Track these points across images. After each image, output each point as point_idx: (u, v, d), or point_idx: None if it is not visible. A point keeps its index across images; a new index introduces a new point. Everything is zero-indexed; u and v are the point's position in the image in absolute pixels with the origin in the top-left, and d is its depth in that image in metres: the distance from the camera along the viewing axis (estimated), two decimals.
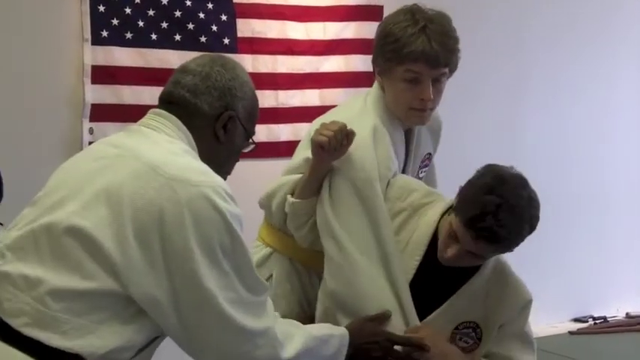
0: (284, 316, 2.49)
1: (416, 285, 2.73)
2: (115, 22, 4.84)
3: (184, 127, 2.27)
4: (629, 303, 6.99)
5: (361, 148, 2.73)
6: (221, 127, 2.31)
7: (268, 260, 2.98)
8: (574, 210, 6.56)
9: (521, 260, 3.01)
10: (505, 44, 6.31)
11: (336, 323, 2.71)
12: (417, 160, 3.04)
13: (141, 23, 4.92)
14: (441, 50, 2.76)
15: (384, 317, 2.69)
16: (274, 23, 5.42)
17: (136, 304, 2.09)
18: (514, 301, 2.82)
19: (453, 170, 5.39)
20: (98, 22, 4.80)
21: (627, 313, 7.00)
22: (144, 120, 2.33)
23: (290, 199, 2.79)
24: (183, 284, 2.08)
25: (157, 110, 2.32)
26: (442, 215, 2.75)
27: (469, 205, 2.55)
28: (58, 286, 2.04)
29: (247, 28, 5.28)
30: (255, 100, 2.42)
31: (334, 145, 2.65)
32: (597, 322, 6.82)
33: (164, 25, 4.98)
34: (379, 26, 2.90)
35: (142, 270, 2.05)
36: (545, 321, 6.43)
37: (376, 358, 2.66)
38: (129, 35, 4.89)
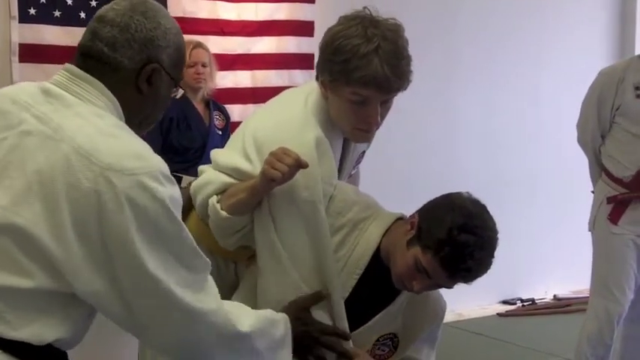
0: None
1: (349, 300, 2.72)
2: None
3: (107, 91, 2.12)
4: (557, 286, 7.12)
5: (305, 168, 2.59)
6: (144, 81, 2.15)
7: None
8: (502, 194, 6.61)
9: None
10: (435, 27, 6.36)
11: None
12: (352, 160, 2.99)
13: (69, 1, 4.87)
14: (393, 77, 2.57)
15: (319, 297, 2.67)
16: (205, 3, 5.40)
17: (76, 297, 2.02)
18: (434, 313, 2.87)
19: (386, 154, 5.54)
20: None
21: (555, 296, 7.13)
22: (62, 80, 2.13)
23: (223, 213, 2.65)
24: (125, 272, 2.01)
25: (75, 70, 2.12)
26: (384, 234, 2.73)
27: (445, 245, 2.52)
28: None
29: (178, 7, 5.24)
30: (180, 44, 2.24)
31: (287, 179, 2.55)
32: (525, 304, 6.94)
33: (93, 3, 4.91)
34: (327, 33, 2.69)
35: (82, 262, 1.97)
36: (474, 303, 6.51)
37: (307, 346, 2.65)
38: (57, 13, 4.83)
